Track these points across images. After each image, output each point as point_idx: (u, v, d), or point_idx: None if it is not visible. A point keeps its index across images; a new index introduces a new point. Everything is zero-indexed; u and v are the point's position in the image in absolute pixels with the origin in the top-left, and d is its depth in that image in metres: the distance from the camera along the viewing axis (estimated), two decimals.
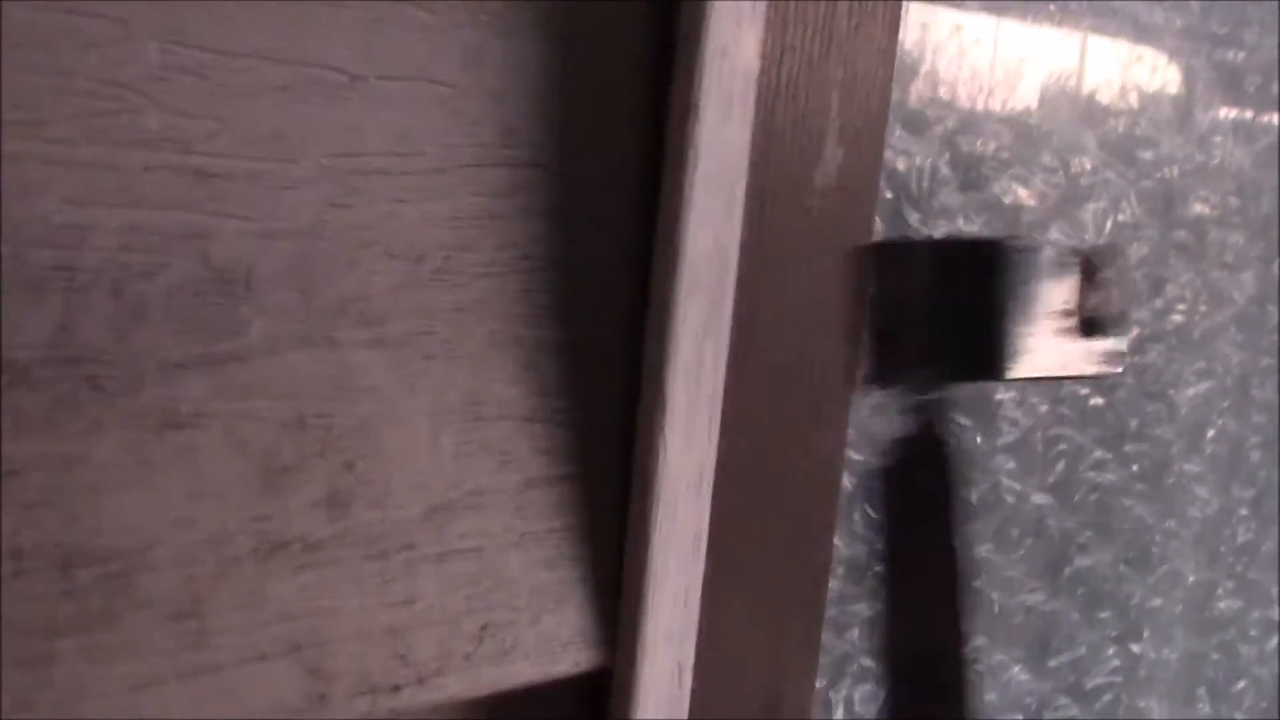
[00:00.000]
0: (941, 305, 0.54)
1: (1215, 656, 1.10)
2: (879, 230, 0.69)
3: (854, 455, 0.70)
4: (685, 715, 0.53)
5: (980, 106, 0.76)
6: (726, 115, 0.49)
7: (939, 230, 0.76)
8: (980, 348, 0.54)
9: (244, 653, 0.43)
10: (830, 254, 0.58)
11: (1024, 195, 0.81)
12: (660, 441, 0.50)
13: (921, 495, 0.57)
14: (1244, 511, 1.08)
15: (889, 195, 0.78)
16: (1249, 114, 0.97)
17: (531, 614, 0.50)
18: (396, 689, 0.47)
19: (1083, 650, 1.02)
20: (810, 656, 0.65)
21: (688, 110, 0.48)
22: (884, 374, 0.56)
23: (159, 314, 0.41)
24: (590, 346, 0.50)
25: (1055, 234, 0.82)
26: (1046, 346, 0.54)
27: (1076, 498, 0.97)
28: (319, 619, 0.45)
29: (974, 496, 0.94)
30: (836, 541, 0.69)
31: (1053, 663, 1.00)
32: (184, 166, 0.41)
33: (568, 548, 0.50)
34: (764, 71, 0.51)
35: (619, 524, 0.51)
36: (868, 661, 0.81)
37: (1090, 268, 0.55)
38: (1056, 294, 0.54)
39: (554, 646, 0.50)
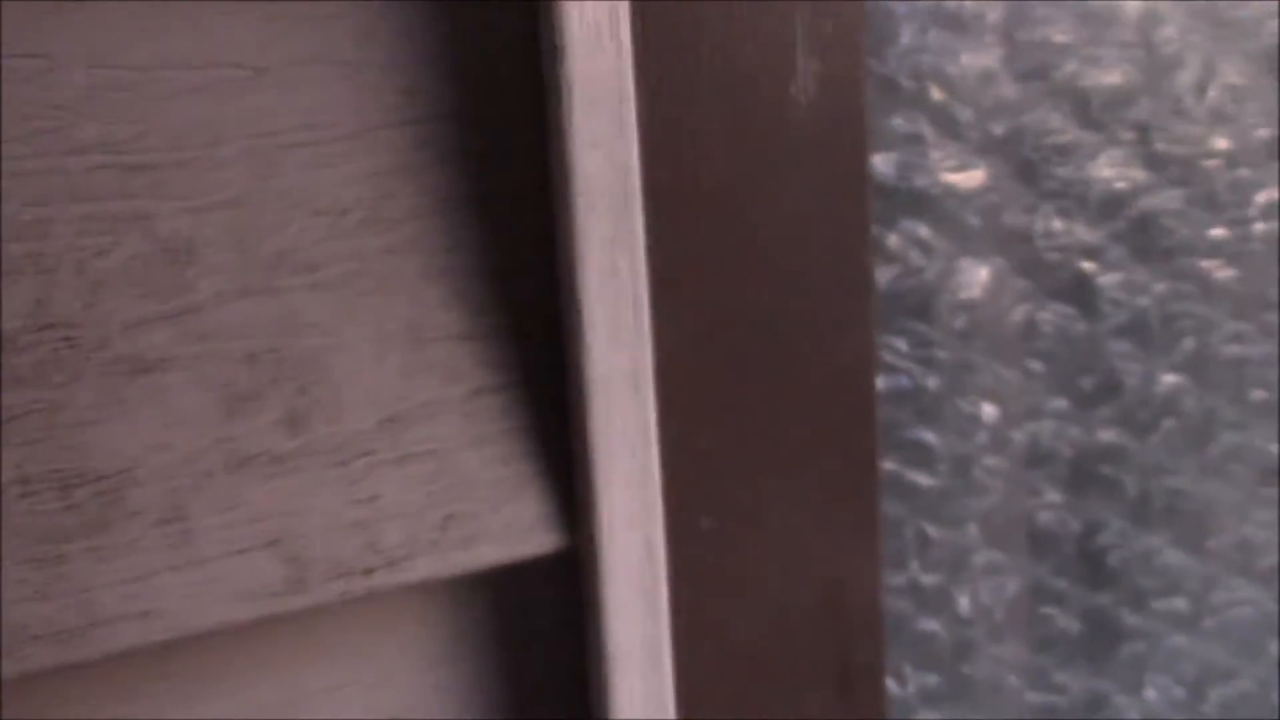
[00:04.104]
0: None
1: None
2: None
3: None
4: (665, 592, 0.60)
5: None
6: (596, 48, 0.55)
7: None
8: None
9: (226, 547, 0.53)
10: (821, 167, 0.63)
11: None
12: (582, 346, 0.56)
13: None
14: None
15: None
16: None
17: (492, 504, 0.57)
18: (369, 571, 0.56)
19: (1251, 529, 0.99)
20: (869, 538, 0.70)
21: (553, 50, 0.54)
22: None
23: (117, 284, 0.52)
24: (515, 268, 0.58)
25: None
26: None
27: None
28: (292, 518, 0.54)
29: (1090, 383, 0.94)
30: None
31: (1213, 543, 0.98)
32: (121, 164, 0.51)
33: (520, 445, 0.58)
34: None
35: (565, 422, 0.58)
36: None
37: None
38: None
39: (518, 531, 0.58)
